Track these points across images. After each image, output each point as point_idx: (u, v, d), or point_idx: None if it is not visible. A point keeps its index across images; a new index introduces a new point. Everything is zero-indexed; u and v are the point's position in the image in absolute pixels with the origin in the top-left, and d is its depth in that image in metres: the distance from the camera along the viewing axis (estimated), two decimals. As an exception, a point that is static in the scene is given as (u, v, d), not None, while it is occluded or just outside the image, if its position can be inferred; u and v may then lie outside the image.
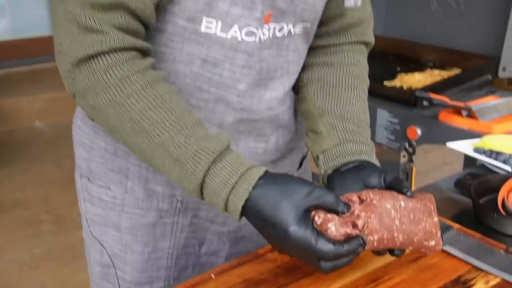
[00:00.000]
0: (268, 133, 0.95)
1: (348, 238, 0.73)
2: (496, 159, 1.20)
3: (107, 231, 0.97)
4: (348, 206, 0.75)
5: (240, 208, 0.74)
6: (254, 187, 0.74)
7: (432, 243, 0.78)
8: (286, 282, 0.83)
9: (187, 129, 0.75)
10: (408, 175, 1.75)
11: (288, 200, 0.72)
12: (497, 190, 1.06)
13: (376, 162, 0.90)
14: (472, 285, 0.81)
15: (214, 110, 0.88)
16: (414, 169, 1.74)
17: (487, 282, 0.82)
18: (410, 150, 1.72)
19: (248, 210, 0.74)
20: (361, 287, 0.81)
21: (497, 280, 0.82)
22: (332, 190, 0.85)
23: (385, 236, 0.75)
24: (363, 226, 0.74)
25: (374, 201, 0.76)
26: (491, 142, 1.27)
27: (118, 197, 0.94)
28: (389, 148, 1.77)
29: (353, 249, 0.73)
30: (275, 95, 0.91)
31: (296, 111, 1.01)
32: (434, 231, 0.78)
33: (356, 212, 0.75)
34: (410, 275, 0.84)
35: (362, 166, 0.86)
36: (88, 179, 0.97)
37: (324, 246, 0.71)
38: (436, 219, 0.78)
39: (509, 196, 1.03)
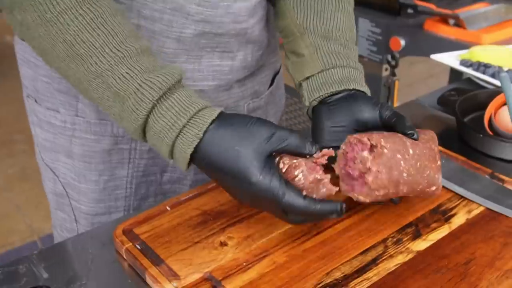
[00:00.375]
0: (235, 49, 0.83)
1: (326, 201, 0.64)
2: (484, 72, 1.10)
3: (59, 158, 0.89)
4: (316, 146, 0.65)
5: (188, 157, 0.63)
6: (205, 132, 0.63)
7: (433, 188, 0.69)
8: (249, 215, 0.74)
9: (130, 58, 0.63)
10: (390, 90, 1.66)
11: (248, 146, 0.62)
12: (484, 107, 0.97)
13: (367, 89, 0.79)
14: (453, 215, 0.74)
15: (171, 22, 0.76)
16: (397, 83, 1.65)
17: (469, 211, 0.75)
18: (393, 62, 1.61)
19: (199, 159, 0.64)
20: (330, 219, 0.73)
21: (481, 209, 0.75)
22: (320, 125, 0.76)
23: (390, 191, 0.67)
24: (372, 181, 0.66)
25: (385, 150, 0.66)
26: (479, 53, 1.17)
27: (68, 121, 0.84)
28: (371, 61, 1.67)
29: (326, 211, 0.63)
30: (244, 6, 0.79)
31: (268, 22, 0.89)
32: (436, 176, 0.69)
33: (368, 164, 0.65)
34: (385, 205, 0.76)
35: (352, 97, 0.76)
36: (36, 100, 0.87)
37: (293, 200, 0.62)
38: (439, 163, 0.69)
39: (497, 114, 0.94)
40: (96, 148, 0.85)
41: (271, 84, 0.98)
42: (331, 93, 0.77)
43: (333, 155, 0.66)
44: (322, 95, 0.78)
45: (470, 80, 1.15)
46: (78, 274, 0.69)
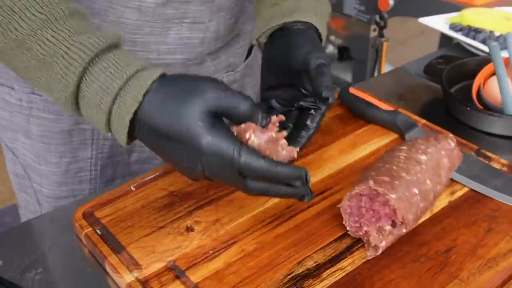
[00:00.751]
0: (206, 19, 0.77)
1: (288, 164, 0.58)
2: (474, 38, 1.04)
3: (18, 138, 0.83)
4: (267, 118, 0.58)
5: (127, 124, 0.56)
6: (145, 94, 0.56)
7: None
8: (218, 196, 0.70)
9: (56, 21, 0.56)
10: (378, 51, 1.59)
11: (195, 105, 0.55)
12: (473, 76, 0.91)
13: (322, 28, 0.73)
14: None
15: None
16: (385, 45, 1.58)
17: (452, 193, 0.70)
18: (381, 23, 1.54)
19: (141, 127, 0.57)
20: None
21: (465, 190, 0.71)
22: (262, 67, 0.73)
23: (411, 223, 0.62)
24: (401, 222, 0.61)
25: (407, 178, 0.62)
26: (470, 16, 1.11)
27: (24, 99, 0.78)
28: (359, 21, 1.60)
29: (289, 175, 0.57)
30: None
31: None
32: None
33: (392, 203, 0.60)
34: (364, 185, 0.72)
35: (292, 32, 0.70)
36: None
37: (252, 160, 0.55)
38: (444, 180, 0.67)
39: (486, 85, 0.89)
40: (56, 128, 0.80)
41: (247, 56, 0.91)
42: (278, 27, 0.71)
43: (283, 119, 0.60)
44: (268, 29, 0.72)
45: (460, 47, 1.09)
46: (35, 261, 0.64)
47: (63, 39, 0.55)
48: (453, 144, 0.68)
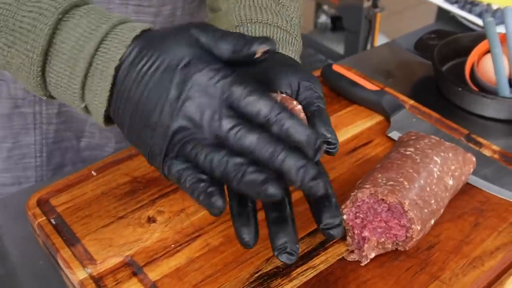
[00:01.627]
0: (156, 2, 0.70)
1: None
2: (470, 11, 0.97)
3: None
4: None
5: (112, 72, 0.45)
6: (130, 46, 0.45)
7: None
8: (186, 182, 0.65)
9: None
10: (371, 23, 1.52)
11: (181, 38, 0.46)
12: (466, 53, 0.85)
13: (293, 56, 0.60)
14: (419, 187, 0.64)
15: None
16: (378, 15, 1.51)
17: (438, 183, 0.65)
18: (376, -8, 1.47)
19: (126, 76, 0.45)
20: (278, 190, 0.64)
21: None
22: None
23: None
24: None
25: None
26: (468, -13, 1.04)
27: None
28: (352, -10, 1.52)
29: (302, 130, 0.43)
30: None
31: None
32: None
33: (414, 235, 0.54)
34: (344, 172, 0.66)
35: (267, 62, 0.53)
36: None
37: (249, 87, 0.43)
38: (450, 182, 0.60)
39: (480, 63, 0.83)
40: None
41: None
42: None
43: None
44: None
45: (456, 20, 1.02)
46: (-17, 253, 0.59)
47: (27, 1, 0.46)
48: (472, 170, 0.62)
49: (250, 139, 0.42)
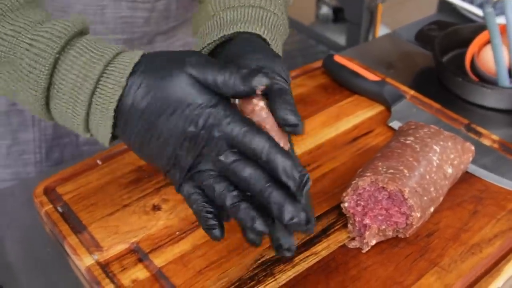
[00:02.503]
0: None
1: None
2: (471, 2, 0.98)
3: None
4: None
5: (111, 114, 0.48)
6: (128, 77, 0.48)
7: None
8: (189, 171, 0.66)
9: (12, 12, 0.48)
10: (373, 14, 1.52)
11: (179, 74, 0.48)
12: (467, 44, 0.86)
13: (272, 39, 0.57)
14: (419, 176, 0.65)
15: None
16: (379, 7, 1.51)
17: (437, 172, 0.66)
18: (377, -16, 1.47)
19: (129, 114, 0.48)
20: (280, 179, 0.65)
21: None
22: None
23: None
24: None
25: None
26: (469, -21, 1.04)
27: None
28: (353, -19, 1.52)
29: (285, 161, 0.47)
30: None
31: None
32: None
33: (414, 222, 0.55)
34: (345, 161, 0.67)
35: (237, 43, 0.55)
36: None
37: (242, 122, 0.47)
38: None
39: (480, 53, 0.83)
40: None
41: None
42: (221, 41, 0.57)
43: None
44: (211, 43, 0.56)
45: (456, 12, 1.03)
46: (-8, 240, 0.61)
47: (24, 30, 0.48)
48: (470, 159, 0.63)
49: (247, 173, 0.47)
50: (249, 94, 0.48)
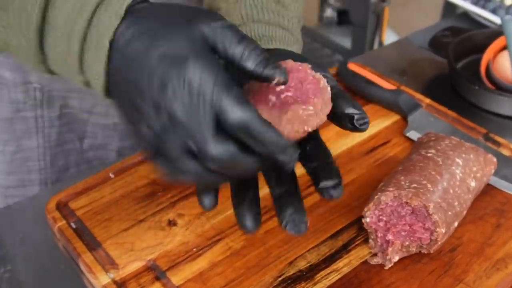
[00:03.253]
0: None
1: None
2: (483, 7, 0.97)
3: None
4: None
5: (106, 46, 0.43)
6: (127, 9, 0.43)
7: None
8: (204, 185, 0.64)
9: None
10: (379, 17, 1.51)
11: (184, 28, 0.43)
12: (481, 49, 0.85)
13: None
14: (439, 188, 0.64)
15: None
16: (386, 10, 1.50)
17: (458, 184, 0.65)
18: (383, -14, 1.46)
19: (121, 50, 0.43)
20: (298, 192, 0.63)
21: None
22: None
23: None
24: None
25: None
26: (480, -17, 1.03)
27: None
28: (359, -16, 1.51)
29: (277, 140, 0.42)
30: None
31: None
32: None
33: (438, 238, 0.54)
34: (363, 173, 0.66)
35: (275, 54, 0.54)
36: None
37: (236, 101, 0.41)
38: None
39: (496, 60, 0.82)
40: None
41: None
42: None
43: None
44: None
45: (467, 15, 1.01)
46: (3, 257, 0.59)
47: None
48: (493, 171, 0.62)
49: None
50: (261, 80, 0.44)
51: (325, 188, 0.49)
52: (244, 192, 0.50)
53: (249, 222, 0.49)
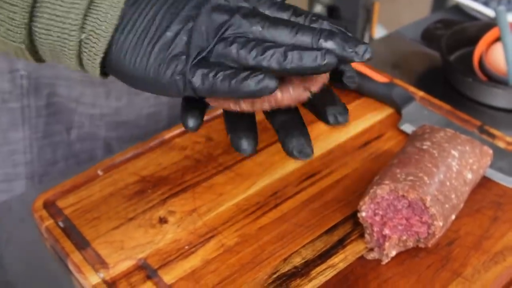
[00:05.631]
0: None
1: None
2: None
3: None
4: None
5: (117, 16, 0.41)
6: None
7: None
8: (195, 181, 0.63)
9: None
10: (369, 13, 1.50)
11: None
12: (474, 41, 0.84)
13: None
14: (435, 181, 0.63)
15: None
16: (377, 5, 1.49)
17: (454, 177, 0.64)
18: (373, -19, 1.45)
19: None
20: (290, 187, 0.62)
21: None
22: None
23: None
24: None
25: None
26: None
27: None
28: (349, -21, 1.50)
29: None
30: None
31: None
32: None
33: (436, 232, 0.53)
34: (357, 167, 0.65)
35: None
36: None
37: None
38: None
39: (489, 51, 0.81)
40: None
41: None
42: None
43: None
44: None
45: (458, 7, 1.01)
46: (-11, 258, 0.58)
47: None
48: (489, 163, 0.61)
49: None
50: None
51: (333, 113, 0.47)
52: (239, 118, 0.47)
53: (245, 143, 0.46)
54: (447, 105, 0.74)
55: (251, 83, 0.39)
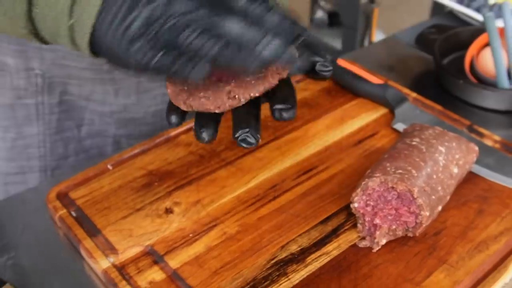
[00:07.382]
0: None
1: None
2: (468, 5, 1.00)
3: None
4: None
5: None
6: None
7: None
8: (199, 175, 0.67)
9: None
10: (369, 18, 1.54)
11: None
12: (466, 46, 0.88)
13: None
14: (425, 176, 0.67)
15: None
16: (376, 11, 1.53)
17: (442, 172, 0.67)
18: (372, -12, 1.49)
19: None
20: (288, 181, 0.66)
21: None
22: None
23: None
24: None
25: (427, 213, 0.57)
26: (465, -17, 1.06)
27: None
28: (349, -14, 1.54)
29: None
30: None
31: None
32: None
33: (423, 221, 0.57)
34: (351, 163, 0.69)
35: None
36: None
37: None
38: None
39: (479, 56, 0.85)
40: None
41: None
42: None
43: None
44: None
45: (453, 14, 1.05)
46: (6, 245, 0.61)
47: None
48: (475, 159, 0.65)
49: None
50: None
51: (278, 109, 0.50)
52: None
53: (205, 134, 0.50)
54: (438, 105, 0.77)
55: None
